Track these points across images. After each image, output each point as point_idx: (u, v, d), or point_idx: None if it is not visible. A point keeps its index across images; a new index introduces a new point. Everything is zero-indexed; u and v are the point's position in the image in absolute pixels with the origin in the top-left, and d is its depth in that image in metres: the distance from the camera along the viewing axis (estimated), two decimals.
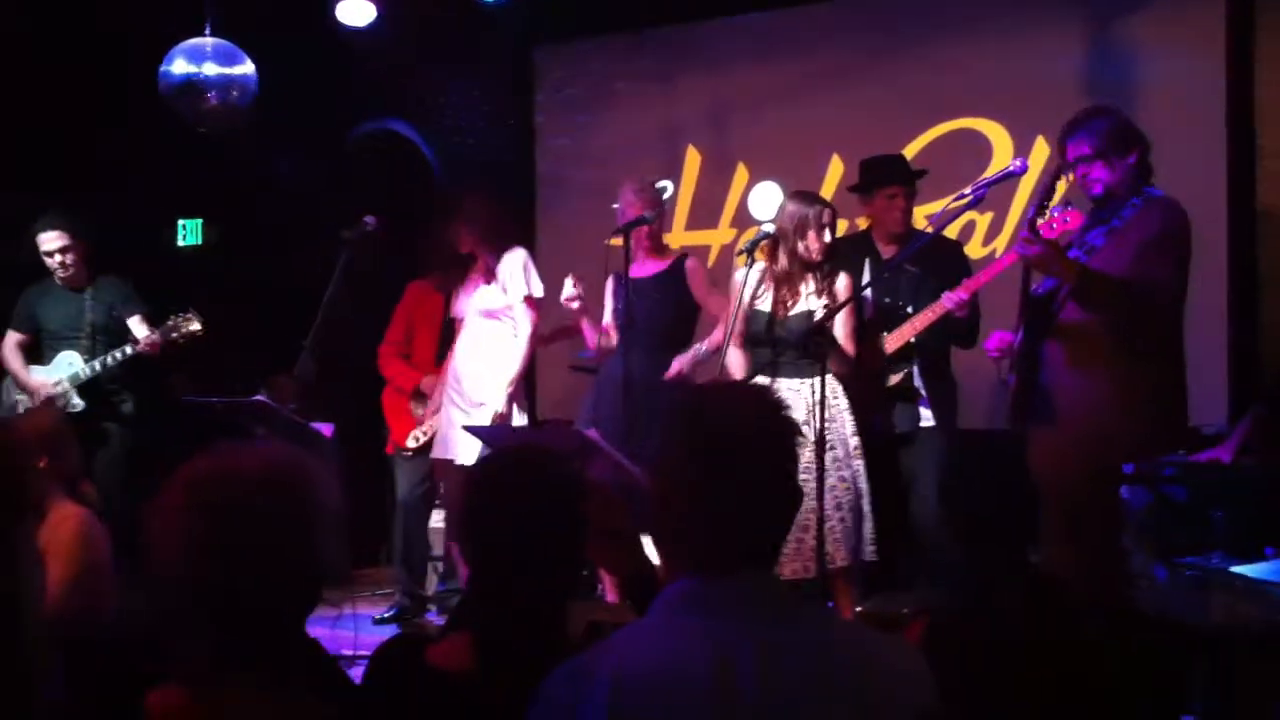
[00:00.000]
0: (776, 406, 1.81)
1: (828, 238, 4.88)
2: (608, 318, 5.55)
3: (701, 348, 5.44)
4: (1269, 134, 5.83)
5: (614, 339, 5.48)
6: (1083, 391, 4.00)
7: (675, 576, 1.72)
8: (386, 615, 6.06)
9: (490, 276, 5.52)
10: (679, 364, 5.41)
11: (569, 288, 5.32)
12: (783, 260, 4.93)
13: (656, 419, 4.93)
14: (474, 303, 5.55)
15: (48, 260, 6.17)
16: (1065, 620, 2.73)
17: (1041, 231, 4.02)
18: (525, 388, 5.80)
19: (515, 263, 5.50)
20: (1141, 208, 4.04)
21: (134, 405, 6.22)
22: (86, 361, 6.08)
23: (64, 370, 6.09)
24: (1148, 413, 3.96)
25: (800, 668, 1.62)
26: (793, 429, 1.80)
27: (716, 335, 5.38)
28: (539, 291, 5.50)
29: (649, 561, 2.17)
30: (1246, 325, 5.85)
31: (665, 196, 5.33)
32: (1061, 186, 4.33)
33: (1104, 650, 1.96)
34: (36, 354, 6.25)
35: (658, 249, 5.57)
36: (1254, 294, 5.86)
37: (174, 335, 5.93)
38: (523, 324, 5.48)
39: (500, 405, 5.38)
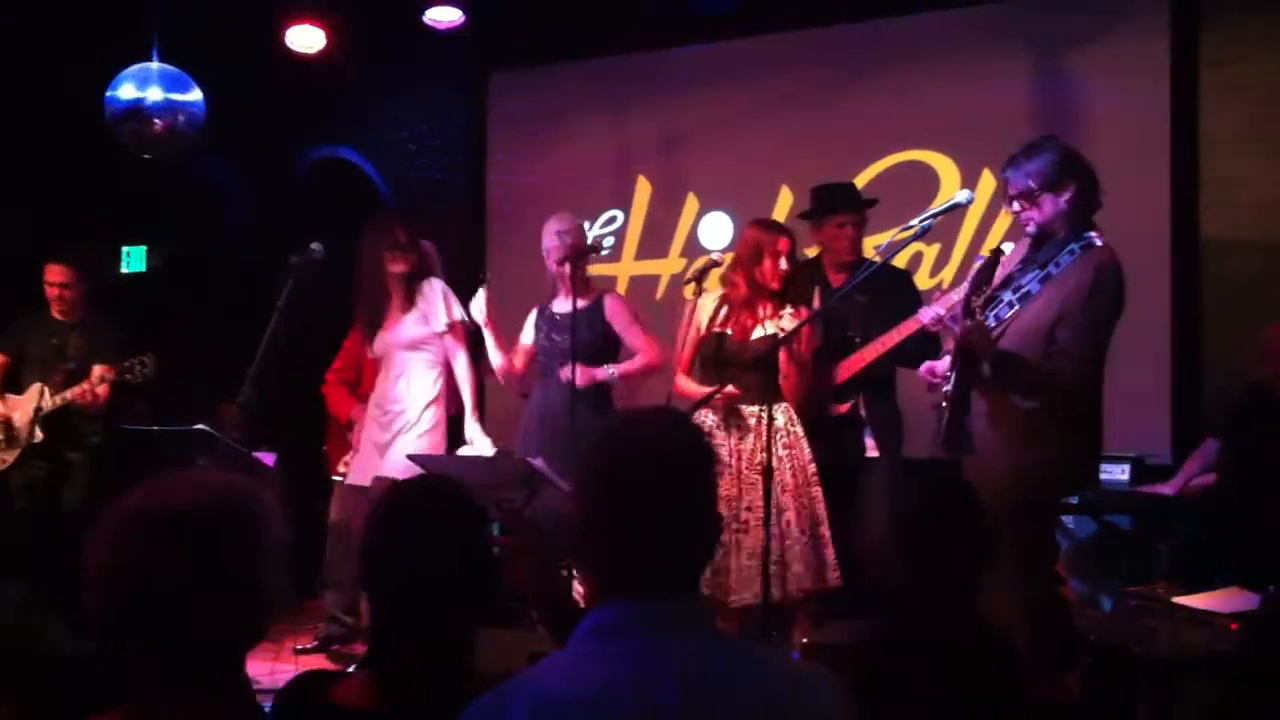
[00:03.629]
0: (694, 432, 1.82)
1: (784, 265, 4.86)
2: (524, 342, 5.50)
3: (612, 371, 5.33)
4: (1212, 165, 5.91)
5: (521, 365, 5.47)
6: (1000, 439, 3.97)
7: (597, 603, 1.71)
8: (309, 646, 5.83)
9: (409, 306, 5.42)
10: (587, 375, 5.20)
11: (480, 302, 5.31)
12: (742, 286, 4.91)
13: (571, 448, 4.83)
14: (399, 337, 5.42)
15: (47, 289, 6.31)
16: (998, 655, 2.75)
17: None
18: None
19: (436, 291, 5.41)
20: (1078, 259, 3.94)
21: (102, 437, 6.24)
22: (52, 395, 6.11)
23: (31, 403, 6.11)
24: (1063, 454, 3.94)
25: (721, 691, 1.62)
26: (710, 455, 1.80)
27: (633, 364, 5.31)
28: (461, 314, 5.40)
29: (569, 590, 2.14)
30: (1190, 356, 5.90)
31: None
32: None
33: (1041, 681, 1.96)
34: (17, 379, 6.29)
35: (582, 286, 5.39)
36: (1197, 324, 5.92)
37: (128, 378, 5.96)
38: (454, 350, 5.39)
39: (426, 427, 5.30)
